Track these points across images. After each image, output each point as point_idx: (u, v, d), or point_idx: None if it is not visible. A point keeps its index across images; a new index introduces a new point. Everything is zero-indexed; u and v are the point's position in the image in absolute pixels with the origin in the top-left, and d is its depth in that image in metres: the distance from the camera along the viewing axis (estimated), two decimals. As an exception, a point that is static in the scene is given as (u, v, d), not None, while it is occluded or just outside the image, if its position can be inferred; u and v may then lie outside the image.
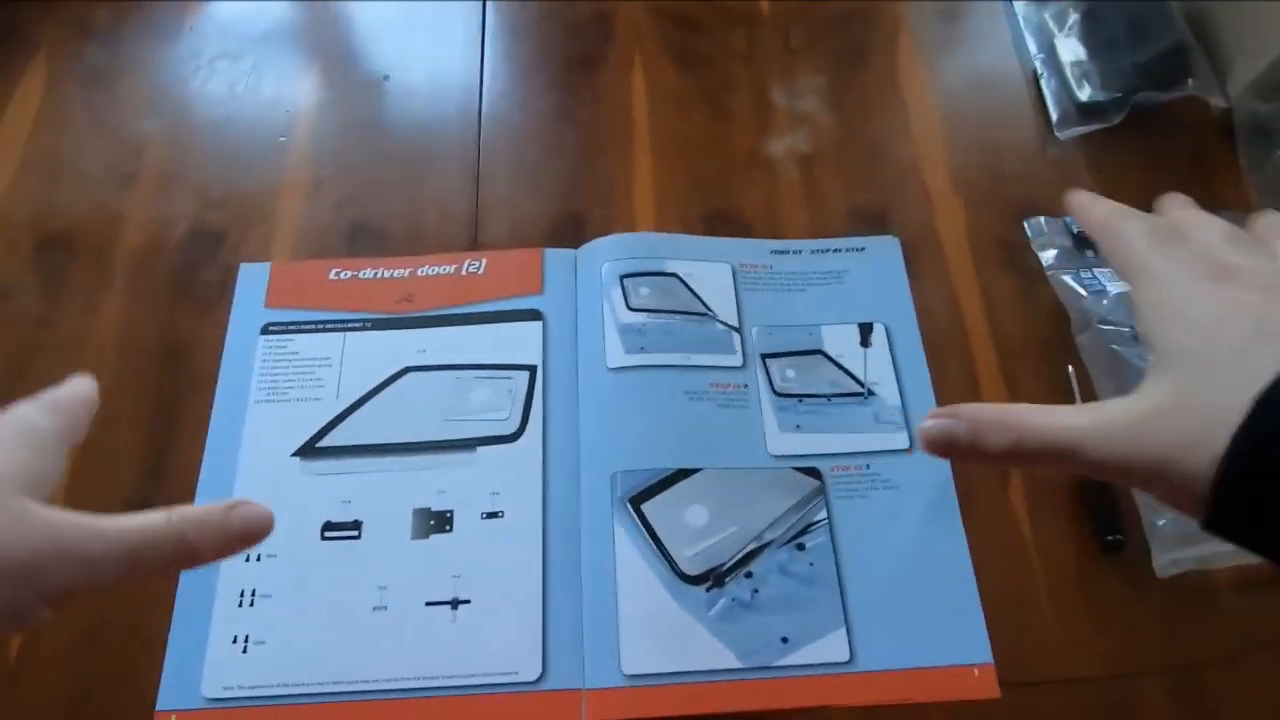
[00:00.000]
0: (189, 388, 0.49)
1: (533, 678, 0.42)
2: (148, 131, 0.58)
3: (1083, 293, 0.51)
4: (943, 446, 0.28)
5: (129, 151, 0.58)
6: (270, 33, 0.63)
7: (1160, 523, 0.45)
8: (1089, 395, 0.49)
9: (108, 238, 0.54)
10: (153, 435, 0.48)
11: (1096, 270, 0.52)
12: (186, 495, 0.46)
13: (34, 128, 0.58)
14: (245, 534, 0.30)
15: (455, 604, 0.43)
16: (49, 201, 0.56)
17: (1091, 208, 0.32)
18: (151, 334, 0.51)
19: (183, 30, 0.63)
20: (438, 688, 0.41)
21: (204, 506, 0.29)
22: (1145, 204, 0.54)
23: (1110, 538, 0.45)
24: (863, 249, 0.53)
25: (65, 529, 0.27)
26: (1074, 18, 0.59)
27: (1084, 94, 0.57)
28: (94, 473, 0.47)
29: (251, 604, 0.43)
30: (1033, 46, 0.61)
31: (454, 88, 0.61)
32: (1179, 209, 0.31)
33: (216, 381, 0.49)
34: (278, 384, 0.49)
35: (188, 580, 0.44)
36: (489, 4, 0.64)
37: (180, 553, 0.28)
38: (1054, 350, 0.51)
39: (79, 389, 0.35)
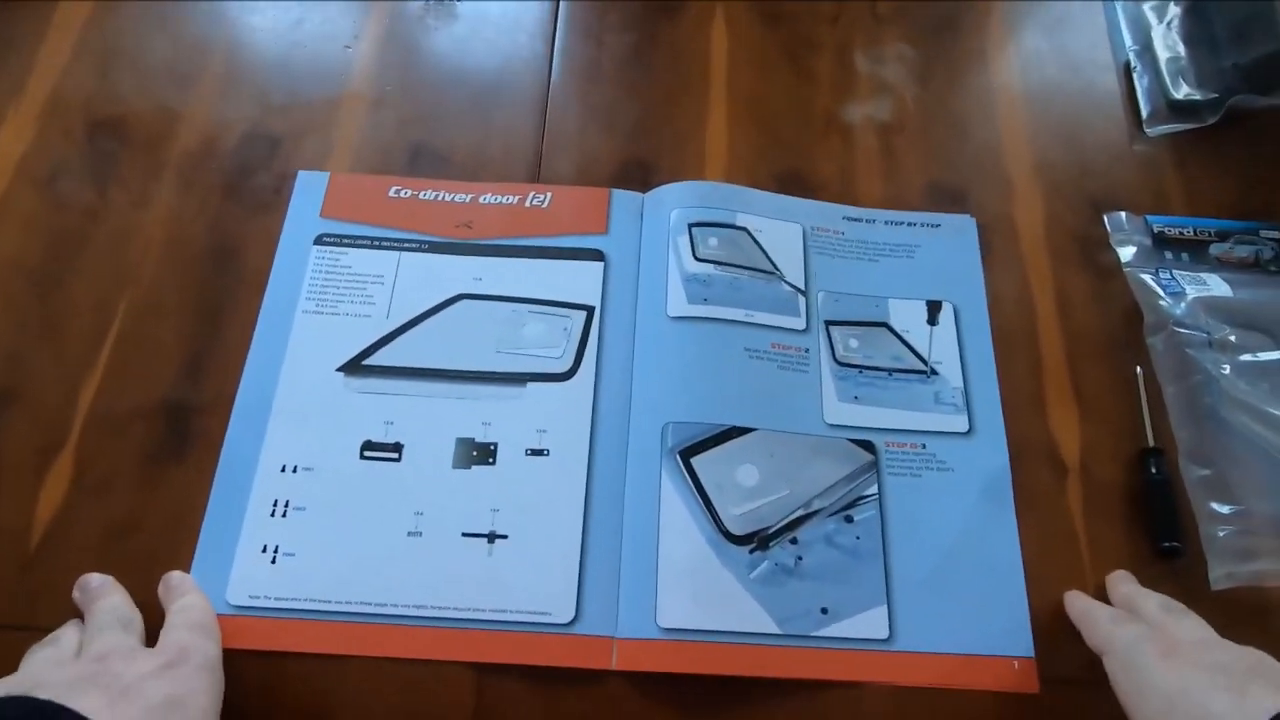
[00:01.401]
0: (233, 291, 0.47)
1: (565, 620, 0.40)
2: (211, 29, 0.56)
3: (1160, 293, 0.49)
4: None
5: (190, 50, 0.55)
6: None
7: (1221, 534, 0.43)
8: (1155, 398, 0.47)
9: (162, 133, 0.52)
10: (194, 336, 0.46)
11: (1176, 272, 0.50)
12: (223, 399, 0.44)
13: (91, 14, 0.56)
14: None
15: (492, 538, 0.42)
16: (104, 88, 0.54)
17: (1073, 601, 0.41)
18: (200, 233, 0.49)
19: (255, -72, 0.60)
20: (467, 620, 0.40)
21: None
22: (1228, 208, 0.53)
23: (1166, 544, 0.43)
24: (938, 225, 0.51)
25: None
26: (1175, 12, 0.57)
27: (1179, 91, 0.55)
28: (132, 369, 0.45)
29: (284, 515, 0.42)
30: (1128, 38, 0.58)
31: (528, 18, 0.58)
32: (1121, 584, 0.41)
33: (262, 287, 0.47)
34: (327, 296, 0.47)
35: (221, 485, 0.42)
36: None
37: None
38: (1123, 349, 0.49)
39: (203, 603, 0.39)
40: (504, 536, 0.42)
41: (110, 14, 0.56)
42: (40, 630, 0.38)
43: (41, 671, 0.34)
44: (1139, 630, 0.36)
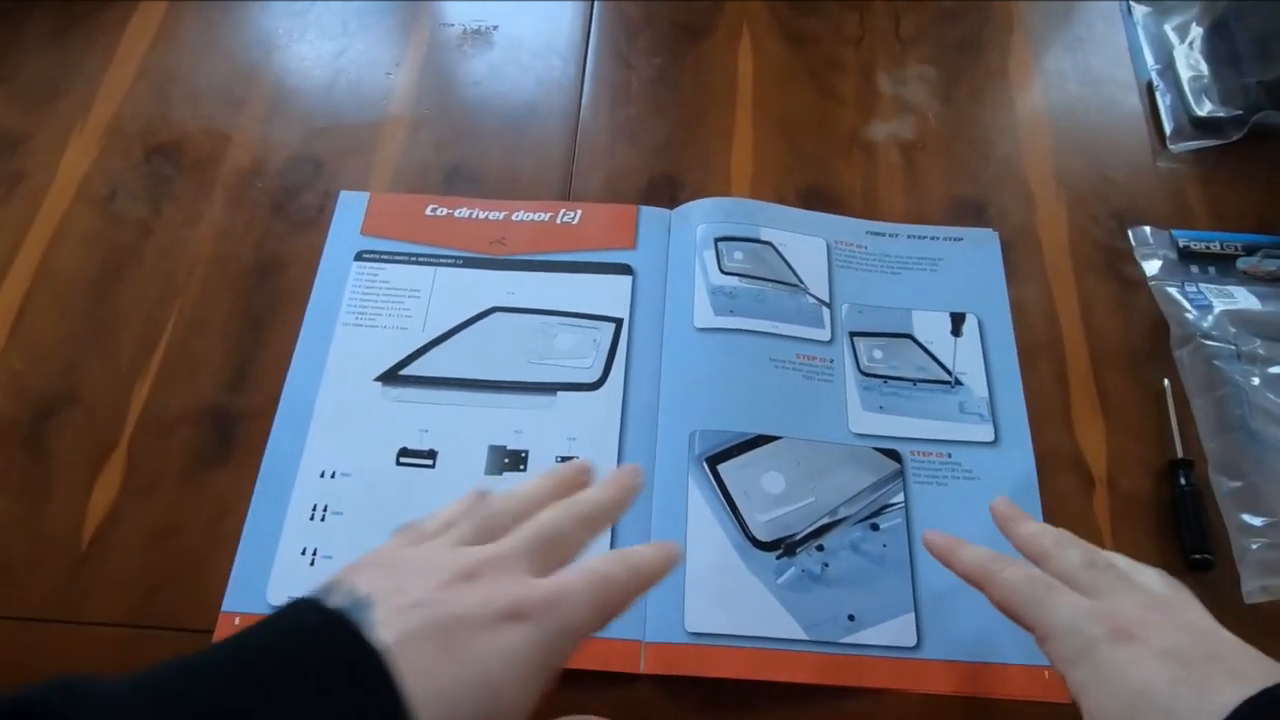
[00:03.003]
0: (277, 304, 0.49)
1: (596, 624, 0.40)
2: (260, 58, 0.58)
3: (1187, 306, 0.48)
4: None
5: (241, 76, 0.57)
6: (387, -24, 0.62)
7: (1254, 547, 0.42)
8: (1183, 409, 0.46)
9: (213, 154, 0.54)
10: (239, 346, 0.47)
11: (1203, 285, 0.49)
12: (265, 406, 0.45)
13: (153, 43, 0.59)
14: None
15: (523, 542, 0.42)
16: (162, 113, 0.56)
17: (958, 552, 0.35)
18: (247, 249, 0.51)
19: (302, -35, 0.62)
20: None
21: None
22: (1253, 223, 0.52)
23: (1197, 555, 0.42)
24: (960, 239, 0.50)
25: None
26: (1197, 32, 0.56)
27: (1202, 109, 0.54)
28: (180, 377, 0.46)
29: (323, 519, 0.42)
30: (1150, 58, 0.58)
31: (560, 43, 0.59)
32: (1021, 523, 0.35)
33: (305, 300, 0.48)
34: (366, 310, 0.48)
35: (263, 489, 0.43)
36: (602, -33, 0.63)
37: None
38: (1149, 361, 0.48)
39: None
40: (534, 541, 0.42)
41: (170, 44, 0.59)
42: (84, 624, 0.39)
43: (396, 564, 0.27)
44: (1076, 604, 0.30)
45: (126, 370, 0.47)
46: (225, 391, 0.46)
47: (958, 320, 0.48)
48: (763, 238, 0.50)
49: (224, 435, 0.45)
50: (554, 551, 0.28)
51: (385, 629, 0.23)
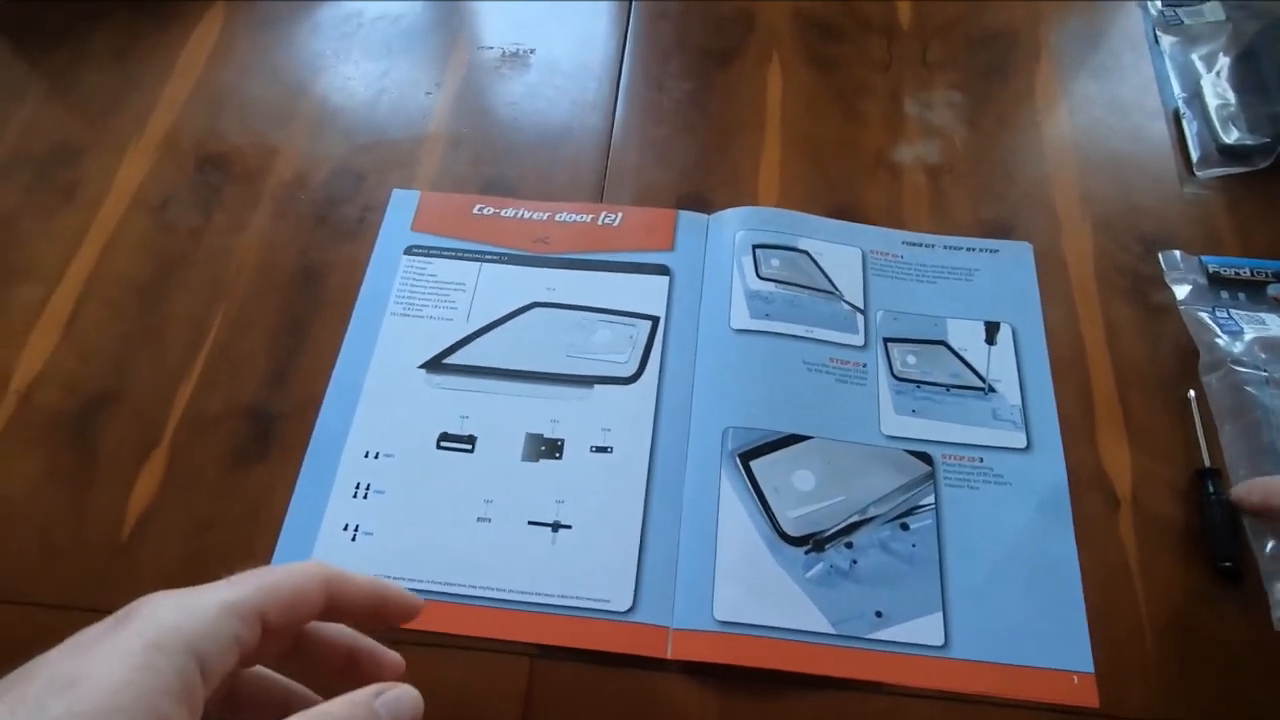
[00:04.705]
0: (317, 310, 0.49)
1: (623, 608, 0.40)
2: (308, 77, 0.60)
3: (1218, 331, 0.48)
4: None
5: (289, 93, 0.59)
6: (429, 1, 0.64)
7: (1285, 561, 0.41)
8: (1211, 433, 0.45)
9: (261, 166, 0.55)
10: (279, 348, 0.48)
11: (1234, 311, 0.49)
12: (304, 406, 0.46)
13: (208, 62, 0.60)
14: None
15: (556, 527, 0.42)
16: (214, 127, 0.57)
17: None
18: (290, 257, 0.52)
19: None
20: (530, 603, 0.40)
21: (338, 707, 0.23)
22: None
23: (1226, 564, 0.41)
24: (996, 251, 0.50)
25: None
26: (1224, 60, 0.57)
27: (1230, 136, 0.54)
28: (223, 377, 0.47)
29: (365, 497, 0.43)
30: (1176, 86, 0.58)
31: (595, 65, 0.61)
32: None
33: (344, 306, 0.49)
34: (414, 301, 0.49)
35: (310, 466, 0.44)
36: (638, -6, 0.64)
37: None
38: (1176, 385, 0.47)
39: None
40: (568, 526, 0.42)
41: (224, 63, 0.60)
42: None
43: None
44: None
45: (172, 370, 0.47)
46: (265, 392, 0.47)
47: (992, 329, 0.48)
48: (800, 246, 0.50)
49: (263, 433, 0.45)
50: None
51: None
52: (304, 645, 0.27)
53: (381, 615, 0.27)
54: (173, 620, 0.22)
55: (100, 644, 0.21)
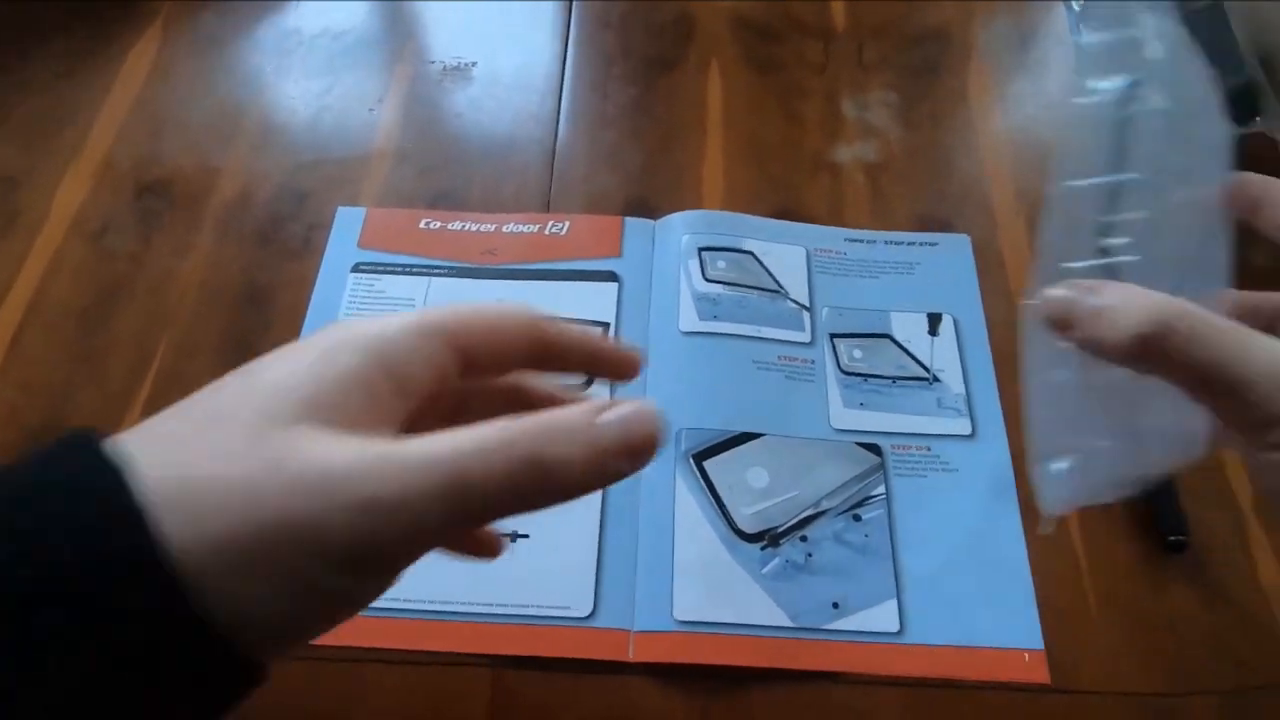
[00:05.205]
0: (265, 331, 0.49)
1: (584, 614, 0.40)
2: (249, 96, 0.59)
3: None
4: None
5: (230, 113, 0.58)
6: (369, 15, 0.64)
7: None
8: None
9: (203, 188, 0.54)
10: (227, 370, 0.47)
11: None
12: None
13: (146, 84, 0.59)
14: (629, 444, 0.20)
15: (514, 537, 0.42)
16: (153, 149, 0.56)
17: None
18: (235, 277, 0.51)
19: (289, 6, 0.64)
20: (490, 614, 0.40)
21: (558, 412, 0.20)
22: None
23: (1173, 538, 0.42)
24: (935, 244, 0.51)
25: (340, 464, 0.18)
26: (1147, 55, 0.58)
27: (1155, 125, 0.56)
28: (168, 401, 0.45)
29: (317, 516, 0.42)
30: (1104, 81, 0.59)
31: (537, 76, 0.61)
32: None
33: (291, 326, 0.48)
34: (364, 318, 0.48)
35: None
36: (575, 2, 0.64)
37: (530, 480, 0.19)
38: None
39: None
40: (525, 535, 0.42)
41: (162, 84, 0.59)
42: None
43: None
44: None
45: (117, 398, 0.46)
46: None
47: (934, 320, 0.48)
48: (744, 247, 0.50)
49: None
50: None
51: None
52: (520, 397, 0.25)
53: (597, 366, 0.25)
54: (354, 329, 0.21)
55: (277, 352, 0.21)
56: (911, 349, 0.47)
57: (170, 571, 0.17)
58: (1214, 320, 0.22)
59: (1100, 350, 0.23)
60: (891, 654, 0.39)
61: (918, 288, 0.49)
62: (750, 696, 0.39)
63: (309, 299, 0.49)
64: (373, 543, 0.19)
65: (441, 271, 0.50)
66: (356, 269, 0.50)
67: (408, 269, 0.50)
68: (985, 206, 0.55)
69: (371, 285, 0.50)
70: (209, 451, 0.19)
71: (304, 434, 0.19)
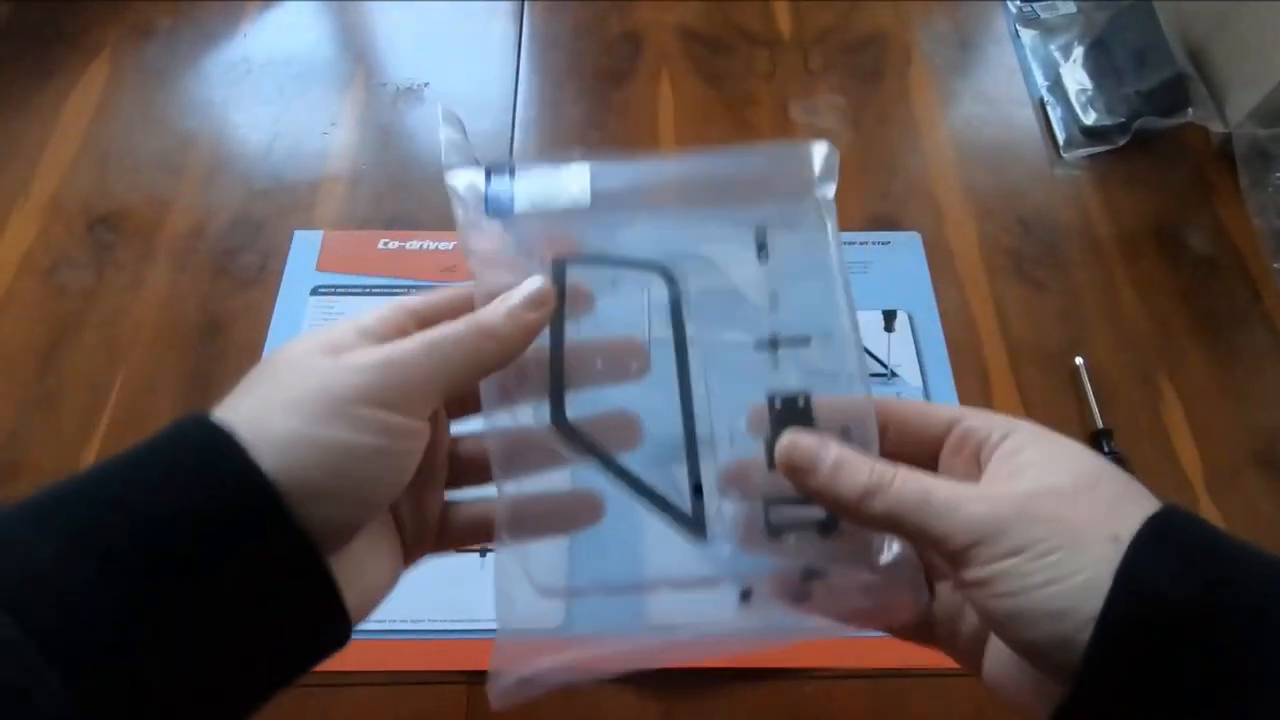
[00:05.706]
0: (222, 362, 0.48)
1: (555, 625, 0.39)
2: (198, 127, 0.58)
3: (1093, 293, 0.50)
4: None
5: (179, 144, 0.57)
6: (318, 40, 0.64)
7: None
8: (1101, 395, 0.48)
9: (155, 221, 0.54)
10: (187, 405, 0.47)
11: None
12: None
13: (93, 118, 0.59)
14: (530, 301, 0.27)
15: (484, 551, 0.41)
16: (102, 186, 0.55)
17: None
18: (191, 310, 0.50)
19: (236, 35, 0.63)
20: (463, 630, 0.39)
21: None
22: (1150, 221, 0.55)
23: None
24: (887, 243, 0.52)
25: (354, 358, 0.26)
26: (1079, 50, 0.60)
27: (1089, 118, 0.58)
28: (125, 441, 0.45)
29: (285, 542, 0.41)
30: (1039, 75, 0.61)
31: (490, 94, 0.61)
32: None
33: (253, 352, 0.48)
34: (323, 341, 0.48)
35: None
36: (525, 21, 0.65)
37: (472, 335, 0.26)
38: (1063, 355, 0.50)
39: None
40: (493, 549, 0.41)
41: (109, 117, 0.59)
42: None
43: None
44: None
45: (73, 438, 0.46)
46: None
47: (889, 317, 0.49)
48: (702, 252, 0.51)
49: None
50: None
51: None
52: None
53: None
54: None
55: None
56: (869, 345, 0.48)
57: (275, 498, 0.23)
58: (916, 481, 0.24)
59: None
60: (859, 647, 0.39)
61: (872, 286, 0.50)
62: (724, 697, 0.39)
63: (268, 326, 0.49)
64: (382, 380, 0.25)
65: (402, 291, 0.50)
66: (315, 292, 0.50)
67: (368, 290, 0.50)
68: (933, 202, 0.56)
69: (331, 307, 0.49)
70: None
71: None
